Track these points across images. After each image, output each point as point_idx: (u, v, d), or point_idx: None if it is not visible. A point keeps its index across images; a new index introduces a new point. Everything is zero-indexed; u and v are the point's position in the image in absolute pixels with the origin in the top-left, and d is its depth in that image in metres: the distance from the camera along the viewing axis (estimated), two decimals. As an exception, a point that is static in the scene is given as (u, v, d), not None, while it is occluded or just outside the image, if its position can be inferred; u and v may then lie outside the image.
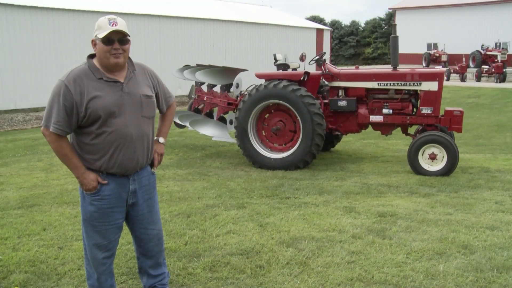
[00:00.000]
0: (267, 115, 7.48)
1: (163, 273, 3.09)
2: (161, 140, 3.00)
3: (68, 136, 2.68)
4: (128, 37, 2.62)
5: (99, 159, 2.65)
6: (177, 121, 8.54)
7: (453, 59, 29.84)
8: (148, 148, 2.81)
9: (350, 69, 7.93)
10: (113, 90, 2.61)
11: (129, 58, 2.75)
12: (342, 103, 7.22)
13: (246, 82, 8.29)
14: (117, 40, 2.56)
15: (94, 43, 2.60)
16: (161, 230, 3.01)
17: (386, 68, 7.42)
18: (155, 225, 2.94)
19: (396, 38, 7.08)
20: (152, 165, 2.93)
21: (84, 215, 2.74)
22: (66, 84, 2.53)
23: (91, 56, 2.67)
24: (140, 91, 2.72)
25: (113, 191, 2.70)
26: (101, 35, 2.53)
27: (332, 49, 40.81)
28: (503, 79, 23.95)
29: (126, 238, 4.05)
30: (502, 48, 28.54)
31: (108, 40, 2.54)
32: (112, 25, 2.54)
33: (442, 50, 33.47)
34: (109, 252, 2.81)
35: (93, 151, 2.64)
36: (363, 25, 53.90)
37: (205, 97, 8.46)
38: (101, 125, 2.58)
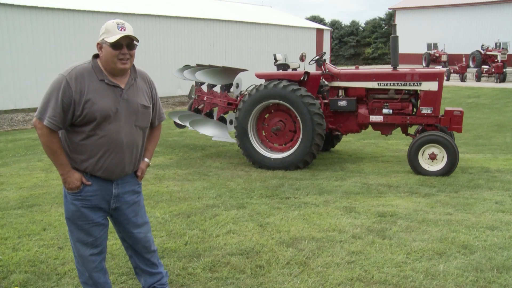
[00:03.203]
0: (267, 115, 7.48)
1: (160, 272, 3.07)
2: (147, 160, 2.95)
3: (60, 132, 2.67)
4: (136, 43, 2.62)
5: (86, 160, 2.63)
6: (177, 121, 8.54)
7: (453, 59, 29.86)
8: (136, 157, 2.80)
9: (350, 69, 7.93)
10: (112, 94, 2.61)
11: (133, 65, 2.75)
12: (342, 103, 7.22)
13: (246, 82, 8.29)
14: (125, 45, 2.57)
15: (100, 46, 2.59)
16: (148, 232, 2.97)
17: (386, 68, 7.42)
18: (140, 228, 2.91)
19: (396, 38, 7.09)
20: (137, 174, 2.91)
21: (67, 213, 2.73)
22: (67, 79, 2.52)
23: (96, 56, 2.66)
24: (138, 100, 2.72)
25: (95, 192, 2.68)
26: (111, 39, 2.52)
27: (332, 49, 40.81)
28: (503, 79, 23.96)
29: (126, 238, 4.05)
30: (502, 48, 28.51)
31: (118, 44, 2.54)
32: (121, 30, 2.55)
33: (442, 50, 33.48)
34: (97, 249, 2.78)
35: (81, 151, 2.63)
36: (363, 25, 53.94)
37: (205, 97, 8.47)
38: (95, 127, 2.57)
